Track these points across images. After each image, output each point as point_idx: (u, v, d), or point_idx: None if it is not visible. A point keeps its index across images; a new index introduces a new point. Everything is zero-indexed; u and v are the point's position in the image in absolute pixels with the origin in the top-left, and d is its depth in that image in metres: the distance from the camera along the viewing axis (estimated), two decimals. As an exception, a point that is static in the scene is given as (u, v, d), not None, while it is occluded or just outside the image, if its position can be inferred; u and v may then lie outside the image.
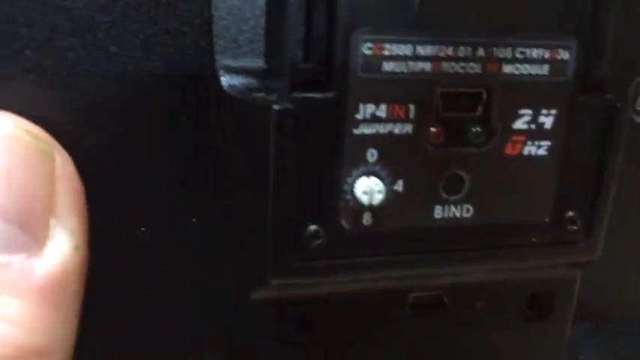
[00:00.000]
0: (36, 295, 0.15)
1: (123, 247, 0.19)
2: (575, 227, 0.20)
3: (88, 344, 0.18)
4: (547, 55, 0.18)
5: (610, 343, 0.25)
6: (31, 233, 0.15)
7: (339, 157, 0.17)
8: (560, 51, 0.18)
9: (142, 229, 0.19)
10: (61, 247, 0.16)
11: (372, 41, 0.17)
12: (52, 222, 0.16)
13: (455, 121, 0.18)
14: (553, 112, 0.18)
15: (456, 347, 0.21)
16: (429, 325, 0.21)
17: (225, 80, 0.18)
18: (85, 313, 0.17)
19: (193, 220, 0.19)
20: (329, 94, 0.17)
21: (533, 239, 0.19)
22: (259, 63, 0.18)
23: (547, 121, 0.19)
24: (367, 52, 0.17)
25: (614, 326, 0.25)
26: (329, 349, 0.20)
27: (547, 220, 0.19)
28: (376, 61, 0.17)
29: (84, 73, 0.17)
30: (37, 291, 0.15)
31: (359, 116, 0.17)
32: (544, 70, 0.18)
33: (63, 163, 0.16)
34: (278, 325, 0.19)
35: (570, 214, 0.20)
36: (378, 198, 0.17)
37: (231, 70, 0.18)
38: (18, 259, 0.15)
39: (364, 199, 0.17)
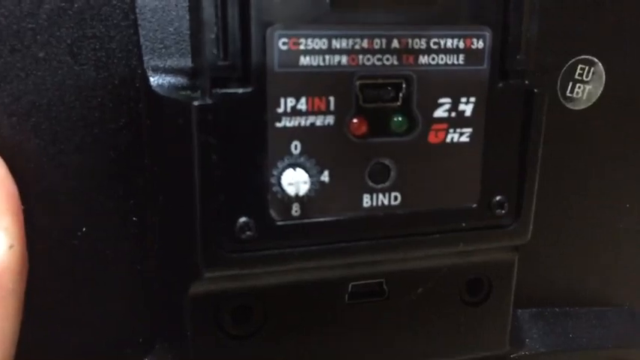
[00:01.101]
0: None
1: (65, 247, 0.19)
2: (503, 211, 0.20)
3: (30, 342, 0.18)
4: (462, 44, 0.19)
5: (555, 327, 0.26)
6: None
7: (264, 150, 0.18)
8: (475, 40, 0.19)
9: (83, 229, 0.20)
10: (2, 238, 0.16)
11: (287, 36, 0.17)
12: None
13: (377, 112, 0.18)
14: (472, 99, 0.19)
15: (397, 334, 0.22)
16: (369, 313, 0.21)
17: (154, 80, 0.19)
18: (27, 312, 0.18)
19: (134, 218, 0.20)
20: (248, 90, 0.17)
21: (463, 224, 0.20)
22: (186, 62, 0.19)
23: (467, 109, 0.19)
24: (283, 47, 0.17)
25: (559, 310, 0.26)
26: (270, 339, 0.20)
27: (475, 205, 0.20)
28: (292, 55, 0.17)
29: (14, 79, 0.18)
30: None
31: (280, 110, 0.18)
32: (460, 59, 0.19)
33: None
34: (217, 317, 0.20)
35: (497, 198, 0.20)
36: (304, 189, 0.18)
37: (160, 70, 0.19)
38: None
39: (291, 191, 0.18)
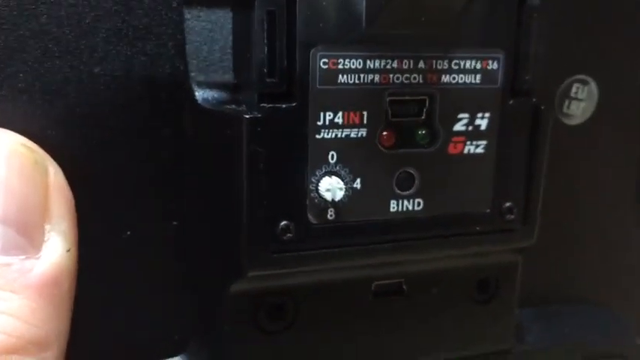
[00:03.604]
0: (34, 292, 0.17)
1: (110, 249, 0.21)
2: (512, 216, 0.22)
3: (80, 339, 0.19)
4: (479, 65, 0.21)
5: (552, 323, 0.28)
6: (28, 237, 0.17)
7: (304, 159, 0.19)
8: (490, 62, 0.21)
9: (128, 232, 0.21)
10: (55, 250, 0.17)
11: (328, 57, 0.19)
12: (47, 227, 0.17)
13: (403, 126, 0.20)
14: (487, 115, 0.21)
15: (415, 330, 0.23)
16: (390, 310, 0.23)
17: (199, 94, 0.20)
18: (76, 311, 0.19)
19: (174, 223, 0.21)
20: (292, 104, 0.19)
21: (477, 228, 0.22)
22: (229, 77, 0.20)
23: (482, 123, 0.21)
24: (324, 66, 0.19)
25: (554, 308, 0.28)
26: (301, 335, 0.22)
27: (487, 210, 0.22)
28: (332, 74, 0.19)
29: (71, 93, 0.19)
30: (35, 289, 0.17)
31: (319, 123, 0.19)
32: (477, 78, 0.21)
33: (55, 173, 0.18)
34: (253, 313, 0.21)
35: (508, 204, 0.22)
36: (340, 195, 0.20)
37: (204, 85, 0.20)
38: (17, 260, 0.17)
39: (327, 196, 0.20)
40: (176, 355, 0.23)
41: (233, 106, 0.20)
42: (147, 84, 0.20)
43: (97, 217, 0.20)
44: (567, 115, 0.27)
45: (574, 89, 0.27)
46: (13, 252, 0.17)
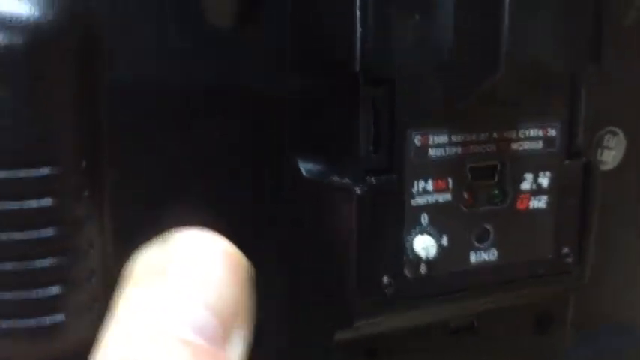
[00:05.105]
0: None
1: None
2: (569, 260, 0.26)
3: None
4: (540, 133, 0.24)
5: (589, 343, 0.31)
6: (224, 328, 0.18)
7: (402, 222, 0.23)
8: (549, 130, 0.24)
9: None
10: (241, 344, 0.18)
11: (421, 134, 0.22)
12: (239, 322, 0.18)
13: (480, 188, 0.24)
14: (548, 174, 0.25)
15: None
16: (463, 344, 0.26)
17: (302, 167, 0.23)
18: None
19: (280, 277, 0.24)
20: (393, 176, 0.22)
21: (540, 271, 0.25)
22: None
23: (544, 181, 0.25)
24: (417, 143, 0.22)
25: (589, 330, 0.32)
26: None
27: (550, 256, 0.25)
28: (423, 148, 0.22)
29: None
30: None
31: (414, 190, 0.23)
32: (539, 144, 0.24)
33: (251, 276, 0.19)
34: (350, 356, 0.24)
35: (565, 250, 0.26)
36: (433, 252, 0.23)
37: (306, 159, 0.23)
38: (210, 346, 0.17)
39: (422, 254, 0.23)
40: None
41: (338, 179, 0.23)
42: (254, 155, 0.23)
43: None
44: (601, 163, 0.30)
45: (606, 140, 0.30)
46: (210, 339, 0.17)
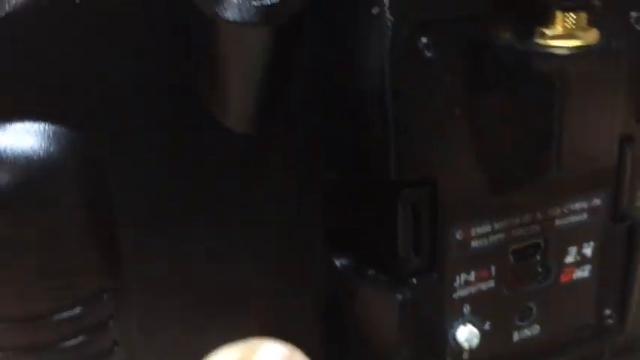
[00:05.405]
0: None
1: None
2: (611, 321, 0.25)
3: None
4: (585, 205, 0.23)
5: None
6: None
7: (443, 314, 0.22)
8: (595, 200, 0.23)
9: None
10: None
11: (462, 229, 0.21)
12: None
13: (523, 268, 0.23)
14: (592, 244, 0.24)
15: None
16: None
17: (337, 261, 0.22)
18: None
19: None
20: (434, 274, 0.21)
21: (583, 336, 0.25)
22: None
23: (588, 251, 0.24)
24: (459, 237, 0.21)
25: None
26: None
27: (592, 321, 0.25)
28: (465, 242, 0.21)
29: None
30: None
31: (455, 284, 0.22)
32: (584, 215, 0.23)
33: None
34: None
35: (607, 312, 0.25)
36: (476, 342, 0.22)
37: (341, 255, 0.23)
38: None
39: (465, 345, 0.22)
40: None
41: (373, 272, 0.22)
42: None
43: None
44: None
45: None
46: None
